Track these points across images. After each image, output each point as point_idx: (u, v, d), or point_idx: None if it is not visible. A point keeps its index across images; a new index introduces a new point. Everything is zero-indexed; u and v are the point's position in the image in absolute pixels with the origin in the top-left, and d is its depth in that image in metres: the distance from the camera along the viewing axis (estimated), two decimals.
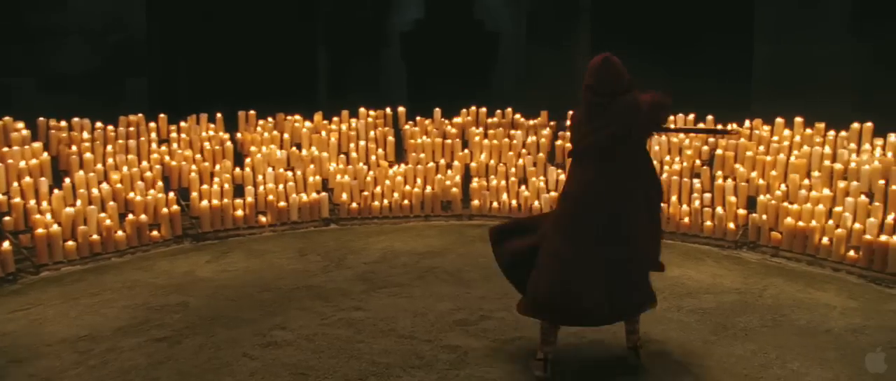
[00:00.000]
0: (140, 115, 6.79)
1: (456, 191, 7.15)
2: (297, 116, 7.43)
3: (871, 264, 5.42)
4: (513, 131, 7.59)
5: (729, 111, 7.12)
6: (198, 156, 6.81)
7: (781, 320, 4.70)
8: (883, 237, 5.41)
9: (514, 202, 7.05)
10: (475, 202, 7.14)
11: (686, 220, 6.41)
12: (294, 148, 7.17)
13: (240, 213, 6.52)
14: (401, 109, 7.78)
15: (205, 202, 6.41)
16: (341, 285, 5.32)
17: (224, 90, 7.81)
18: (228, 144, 6.97)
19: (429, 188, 7.14)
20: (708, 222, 6.30)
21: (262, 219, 6.62)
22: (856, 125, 6.38)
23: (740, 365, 4.08)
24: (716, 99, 7.69)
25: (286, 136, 7.22)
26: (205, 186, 6.55)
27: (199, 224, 6.41)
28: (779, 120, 6.77)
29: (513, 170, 7.24)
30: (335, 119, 7.60)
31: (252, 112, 7.27)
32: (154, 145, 6.72)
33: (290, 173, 6.94)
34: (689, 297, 5.07)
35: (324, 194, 6.90)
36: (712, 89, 8.09)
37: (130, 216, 6.07)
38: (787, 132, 6.67)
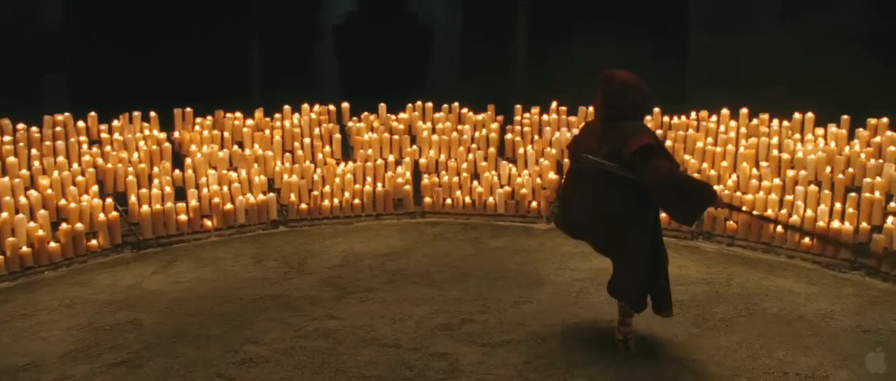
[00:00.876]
0: (67, 114, 6.24)
1: (408, 188, 6.95)
2: (238, 114, 7.04)
3: (824, 250, 5.60)
4: (460, 126, 7.46)
5: (666, 101, 7.25)
6: (134, 157, 6.32)
7: (755, 308, 4.78)
8: (835, 224, 5.60)
9: (467, 199, 6.92)
10: (427, 199, 6.97)
11: None
12: (236, 147, 6.79)
13: (184, 217, 6.11)
14: (344, 105, 7.51)
15: (145, 207, 5.96)
16: (308, 292, 5.04)
17: (151, 87, 7.29)
18: (166, 144, 6.51)
19: (379, 186, 6.92)
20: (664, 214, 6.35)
21: (208, 223, 6.22)
22: (798, 116, 6.61)
23: (730, 357, 4.10)
24: (653, 89, 7.83)
25: (227, 134, 6.83)
26: (144, 190, 6.09)
27: (140, 231, 5.96)
28: (725, 111, 6.93)
29: (464, 165, 7.11)
30: (277, 116, 7.26)
31: (189, 110, 6.83)
32: (84, 147, 6.19)
33: (233, 174, 6.56)
34: None
35: (271, 194, 6.56)
36: (649, 80, 8.25)
37: (65, 225, 5.56)
38: (733, 124, 6.83)
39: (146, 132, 6.55)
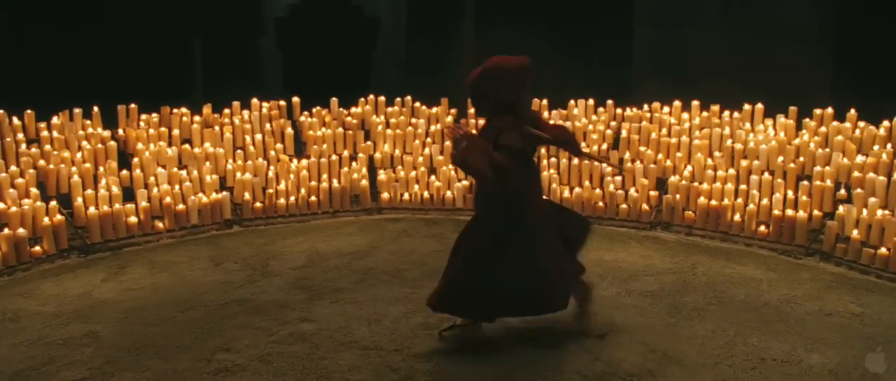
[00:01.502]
0: (0, 112, 5.83)
1: (365, 184, 6.81)
2: (184, 110, 6.74)
3: (780, 237, 5.78)
4: (414, 120, 7.36)
5: (612, 94, 7.35)
6: (77, 157, 5.97)
7: (722, 296, 4.88)
8: (789, 212, 5.78)
9: (426, 193, 6.84)
10: (385, 195, 6.85)
11: (601, 204, 6.51)
12: (186, 145, 6.50)
13: (134, 219, 5.80)
14: (295, 100, 7.30)
15: (92, 209, 5.63)
16: (276, 295, 4.86)
17: (89, 83, 6.89)
18: (111, 142, 6.18)
19: (335, 182, 6.75)
20: (623, 205, 6.43)
21: (159, 224, 5.93)
22: (747, 107, 6.79)
23: (708, 346, 4.17)
24: (600, 82, 7.93)
25: (176, 131, 6.53)
26: (89, 192, 5.76)
27: (87, 235, 5.63)
28: (676, 103, 7.06)
29: (420, 159, 7.02)
30: (226, 112, 6.99)
31: (133, 106, 6.50)
32: (22, 147, 5.80)
33: (184, 173, 6.27)
34: (632, 280, 5.13)
35: (224, 193, 6.31)
36: (595, 73, 8.36)
37: (6, 230, 5.19)
38: (685, 115, 6.97)
39: (89, 130, 6.19)
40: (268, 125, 6.97)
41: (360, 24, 9.79)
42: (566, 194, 6.60)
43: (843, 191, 5.84)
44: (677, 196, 6.27)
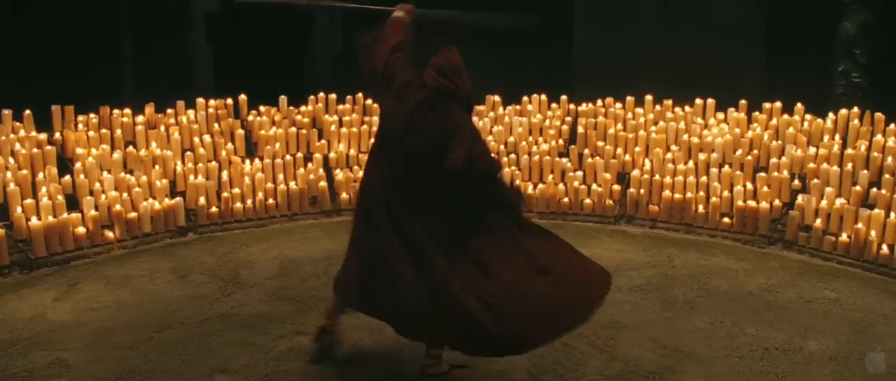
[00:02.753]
0: None
1: (323, 185, 6.53)
2: (126, 110, 6.25)
3: (744, 227, 5.96)
4: (367, 118, 7.14)
5: (552, 91, 7.40)
6: (11, 163, 5.40)
7: (707, 288, 4.98)
8: (751, 203, 5.97)
9: None
10: (344, 195, 6.59)
11: (566, 200, 6.51)
12: (130, 147, 6.02)
13: (81, 229, 5.30)
14: (242, 98, 6.91)
15: (34, 220, 5.10)
16: (259, 308, 4.56)
17: (12, 84, 6.26)
18: (48, 147, 5.63)
19: (292, 184, 6.44)
20: (587, 200, 6.46)
21: (109, 234, 5.46)
22: (699, 101, 6.98)
23: (712, 338, 4.23)
24: (540, 78, 7.98)
25: (118, 133, 6.04)
26: (29, 201, 5.22)
27: (30, 249, 5.10)
28: (629, 98, 7.17)
29: None
30: (169, 111, 6.53)
31: (69, 106, 5.95)
32: None
33: (131, 178, 5.80)
34: (617, 275, 5.08)
35: (178, 199, 5.89)
36: (535, 70, 8.39)
37: None
38: (639, 110, 7.09)
39: (21, 133, 5.62)
40: (216, 125, 6.56)
41: (293, 18, 9.40)
42: (530, 189, 6.57)
43: (797, 182, 6.09)
44: (641, 190, 6.36)
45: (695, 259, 5.53)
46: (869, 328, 4.41)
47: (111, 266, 5.24)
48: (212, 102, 6.69)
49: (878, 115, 6.21)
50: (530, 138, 7.03)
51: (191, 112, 6.57)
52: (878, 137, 6.07)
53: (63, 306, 4.61)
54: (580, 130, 7.01)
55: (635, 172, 6.48)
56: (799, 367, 3.93)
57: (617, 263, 5.41)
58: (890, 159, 5.78)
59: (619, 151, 6.74)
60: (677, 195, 6.21)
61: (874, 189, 5.67)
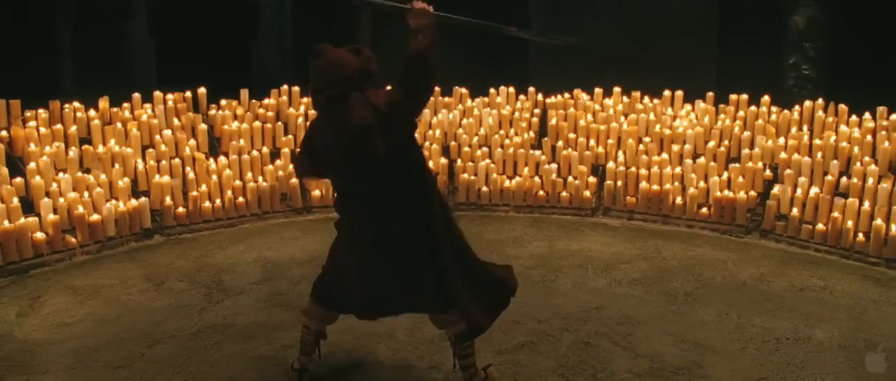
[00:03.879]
0: None
1: (294, 182, 6.23)
2: (78, 105, 5.76)
3: (722, 218, 6.04)
4: None
5: (508, 84, 7.32)
6: None
7: (703, 279, 5.01)
8: (728, 193, 6.06)
9: None
10: (316, 193, 6.32)
11: (542, 193, 6.44)
12: (87, 145, 5.55)
13: (40, 235, 4.84)
14: (201, 91, 6.51)
15: None
16: (254, 316, 4.27)
17: None
18: None
19: (262, 181, 6.11)
20: (563, 193, 6.41)
21: (72, 239, 5.01)
22: (667, 93, 7.04)
23: (724, 331, 4.24)
24: (496, 71, 7.90)
25: (72, 130, 5.55)
26: None
27: None
28: (598, 89, 7.16)
29: None
30: (125, 105, 6.08)
31: (15, 101, 5.43)
32: None
33: (90, 177, 5.35)
34: (612, 269, 5.12)
35: (143, 199, 5.47)
36: (492, 63, 8.30)
37: None
38: (608, 102, 7.09)
39: None
40: (176, 120, 6.15)
41: (238, 8, 8.95)
42: (506, 183, 6.47)
43: (769, 172, 6.23)
44: (618, 183, 6.36)
45: (681, 250, 5.56)
46: (863, 314, 4.53)
47: (75, 275, 4.82)
48: (169, 95, 6.26)
49: (842, 106, 6.41)
50: (501, 131, 6.92)
51: (148, 106, 6.13)
52: (843, 127, 6.27)
53: (30, 323, 4.19)
54: (551, 121, 6.95)
55: (610, 165, 6.47)
56: (813, 356, 3.98)
57: (607, 256, 5.38)
58: (856, 149, 5.98)
59: (592, 142, 6.72)
60: (654, 187, 6.24)
61: (844, 178, 5.84)
